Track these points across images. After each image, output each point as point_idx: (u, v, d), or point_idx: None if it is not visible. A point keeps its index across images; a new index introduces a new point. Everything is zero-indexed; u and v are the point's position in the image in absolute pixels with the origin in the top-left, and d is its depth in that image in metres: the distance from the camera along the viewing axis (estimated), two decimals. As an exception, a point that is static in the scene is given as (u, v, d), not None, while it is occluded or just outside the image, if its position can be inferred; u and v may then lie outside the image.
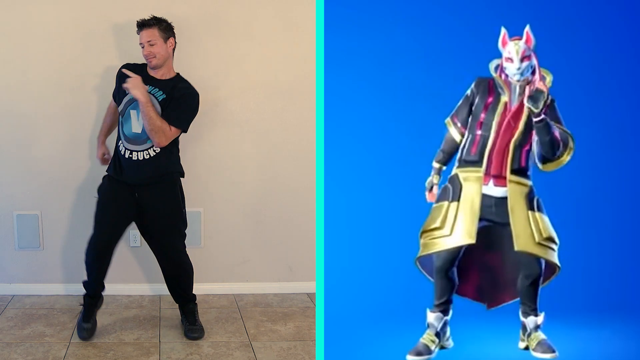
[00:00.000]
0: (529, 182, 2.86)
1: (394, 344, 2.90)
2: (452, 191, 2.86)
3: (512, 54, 2.79)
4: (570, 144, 2.88)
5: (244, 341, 3.55)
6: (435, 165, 2.95)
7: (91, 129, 3.97)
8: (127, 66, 3.53)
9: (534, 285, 2.85)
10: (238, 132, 4.16)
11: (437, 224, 2.83)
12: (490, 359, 2.84)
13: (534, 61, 2.81)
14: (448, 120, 2.96)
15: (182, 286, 3.69)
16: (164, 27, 3.49)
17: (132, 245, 4.15)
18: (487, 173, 2.83)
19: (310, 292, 4.18)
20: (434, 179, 2.95)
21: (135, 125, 3.45)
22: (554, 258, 2.83)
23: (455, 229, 2.80)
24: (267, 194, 4.24)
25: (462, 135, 2.91)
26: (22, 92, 3.98)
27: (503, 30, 2.83)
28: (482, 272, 3.05)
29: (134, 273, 4.15)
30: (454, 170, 2.91)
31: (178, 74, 3.56)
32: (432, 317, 2.88)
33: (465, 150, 2.88)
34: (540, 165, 2.88)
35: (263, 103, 4.16)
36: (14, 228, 4.09)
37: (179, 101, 3.46)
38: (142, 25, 3.48)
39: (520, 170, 2.84)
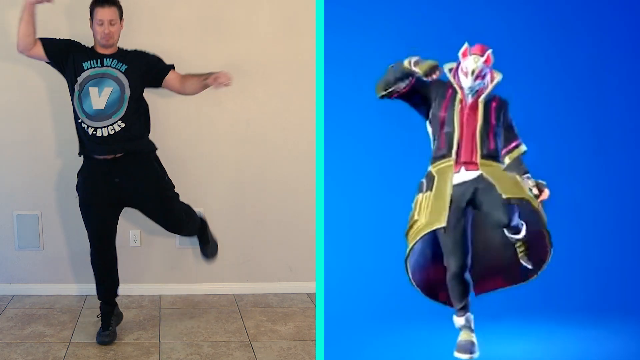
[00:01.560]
0: (502, 166, 2.88)
1: (393, 344, 2.90)
2: (426, 184, 2.89)
3: (469, 70, 2.82)
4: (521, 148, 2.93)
5: (244, 341, 3.55)
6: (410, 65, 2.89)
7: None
8: (78, 44, 3.43)
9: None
10: (238, 132, 4.15)
11: (415, 217, 2.87)
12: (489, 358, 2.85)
13: (488, 77, 2.85)
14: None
15: (190, 229, 3.72)
16: (120, 7, 3.41)
17: (132, 245, 4.15)
18: (457, 162, 2.85)
19: (310, 292, 4.17)
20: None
21: (97, 101, 3.35)
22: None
23: (428, 215, 2.83)
24: (267, 194, 4.24)
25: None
26: (22, 92, 3.98)
27: (465, 45, 2.84)
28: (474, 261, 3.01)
29: (134, 273, 4.14)
30: (429, 168, 2.93)
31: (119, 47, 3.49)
32: (462, 320, 2.87)
33: (435, 148, 2.92)
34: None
35: (263, 103, 4.16)
36: (14, 228, 4.09)
37: (145, 55, 3.49)
38: (106, 2, 3.35)
39: (490, 155, 2.86)
